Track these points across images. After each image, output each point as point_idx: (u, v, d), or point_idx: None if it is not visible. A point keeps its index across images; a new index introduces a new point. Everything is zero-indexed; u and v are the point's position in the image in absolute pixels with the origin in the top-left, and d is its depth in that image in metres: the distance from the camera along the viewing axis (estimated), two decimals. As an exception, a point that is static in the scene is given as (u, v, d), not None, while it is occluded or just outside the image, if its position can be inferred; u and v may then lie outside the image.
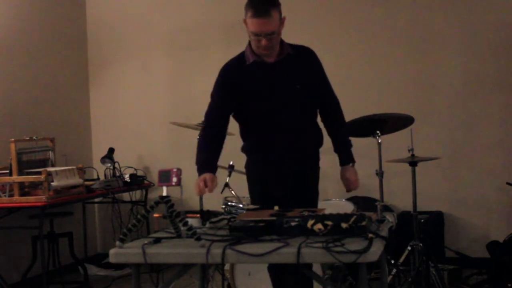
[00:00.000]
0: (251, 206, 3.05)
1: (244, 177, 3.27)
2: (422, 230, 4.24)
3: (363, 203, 4.75)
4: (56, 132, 5.36)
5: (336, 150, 3.23)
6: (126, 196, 5.64)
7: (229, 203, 3.57)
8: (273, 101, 3.03)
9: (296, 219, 2.47)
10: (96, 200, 5.80)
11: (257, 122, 3.10)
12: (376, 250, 2.21)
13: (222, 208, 3.51)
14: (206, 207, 3.53)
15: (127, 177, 5.43)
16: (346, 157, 3.22)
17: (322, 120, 3.24)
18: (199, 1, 5.95)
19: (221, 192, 4.24)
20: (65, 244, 5.08)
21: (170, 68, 6.05)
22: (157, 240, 2.50)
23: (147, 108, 6.06)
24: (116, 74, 6.17)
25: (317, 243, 2.26)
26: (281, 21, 2.96)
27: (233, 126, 3.21)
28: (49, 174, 4.42)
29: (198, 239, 2.41)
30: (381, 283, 3.11)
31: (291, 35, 3.22)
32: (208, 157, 3.02)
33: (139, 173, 5.72)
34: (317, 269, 3.60)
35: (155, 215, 2.78)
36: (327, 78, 3.19)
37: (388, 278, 4.05)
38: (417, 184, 4.19)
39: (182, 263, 2.53)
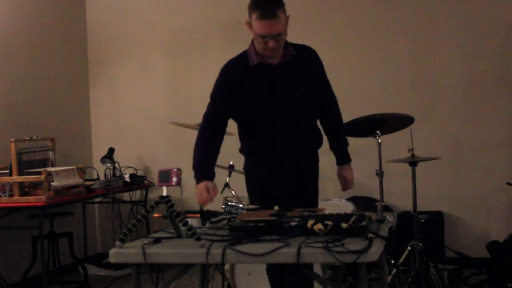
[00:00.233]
0: (251, 206, 3.04)
1: (244, 177, 3.26)
2: (422, 230, 4.24)
3: (363, 203, 4.75)
4: (56, 132, 5.36)
5: (333, 148, 3.23)
6: (126, 196, 5.64)
7: (229, 203, 3.57)
8: (274, 102, 3.01)
9: (296, 219, 2.47)
10: (96, 200, 5.80)
11: (257, 123, 3.08)
12: (376, 250, 2.21)
13: (222, 208, 3.51)
14: (206, 207, 3.53)
15: (127, 177, 5.43)
16: (343, 156, 3.22)
17: (320, 119, 3.23)
18: (199, 1, 5.95)
19: (221, 192, 4.24)
20: (65, 244, 5.08)
21: (170, 68, 6.05)
22: (157, 240, 2.50)
23: (147, 108, 6.06)
24: (116, 74, 6.17)
25: (317, 243, 2.26)
26: (286, 20, 2.93)
27: (233, 125, 3.20)
28: (49, 174, 4.42)
29: (198, 239, 2.41)
30: (381, 283, 3.11)
31: (291, 34, 3.21)
32: (206, 162, 2.97)
33: (139, 173, 5.72)
34: (317, 269, 3.60)
35: (155, 215, 2.78)
36: (327, 77, 3.19)
37: (388, 278, 4.05)
38: (417, 184, 4.19)
39: (182, 263, 2.53)
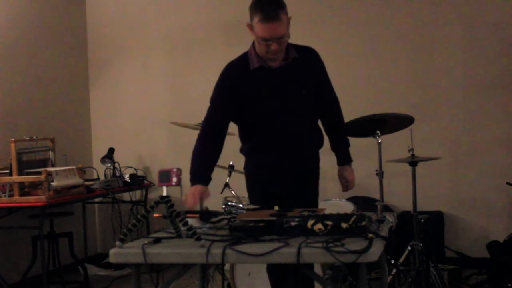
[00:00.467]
0: (251, 206, 3.04)
1: (244, 177, 3.26)
2: (422, 230, 4.24)
3: (363, 203, 4.75)
4: (56, 132, 5.36)
5: (334, 149, 3.22)
6: (126, 196, 5.64)
7: (229, 203, 3.57)
8: (274, 105, 2.99)
9: (296, 219, 2.47)
10: (96, 200, 5.80)
11: (257, 124, 3.06)
12: (376, 250, 2.21)
13: (222, 208, 3.51)
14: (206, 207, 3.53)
15: (127, 177, 5.43)
16: (344, 157, 3.22)
17: (321, 119, 3.22)
18: (199, 1, 5.95)
19: (221, 192, 4.24)
20: (65, 244, 5.08)
21: (170, 68, 6.05)
22: (157, 240, 2.50)
23: (147, 108, 6.06)
24: (116, 74, 6.17)
25: (317, 243, 2.26)
26: (288, 22, 2.89)
27: (234, 125, 3.19)
28: (49, 174, 4.42)
29: (198, 239, 2.41)
30: (381, 283, 3.11)
31: (291, 35, 3.21)
32: (203, 168, 2.91)
33: (139, 173, 5.72)
34: (317, 269, 3.60)
35: (155, 215, 2.78)
36: (328, 78, 3.17)
37: (388, 278, 4.05)
38: (417, 184, 4.19)
39: (182, 263, 2.52)
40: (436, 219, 5.10)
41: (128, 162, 5.67)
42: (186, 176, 2.82)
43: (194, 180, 2.86)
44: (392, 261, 4.19)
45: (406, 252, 4.18)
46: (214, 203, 3.04)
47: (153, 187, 5.75)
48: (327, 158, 3.26)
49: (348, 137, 3.28)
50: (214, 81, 3.06)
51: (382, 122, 4.01)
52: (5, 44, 5.17)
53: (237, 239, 2.40)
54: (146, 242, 2.46)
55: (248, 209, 2.99)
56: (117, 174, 5.45)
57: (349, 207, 4.14)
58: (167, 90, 6.05)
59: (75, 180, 4.69)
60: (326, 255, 2.20)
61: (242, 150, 3.21)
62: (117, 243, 2.46)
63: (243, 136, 3.18)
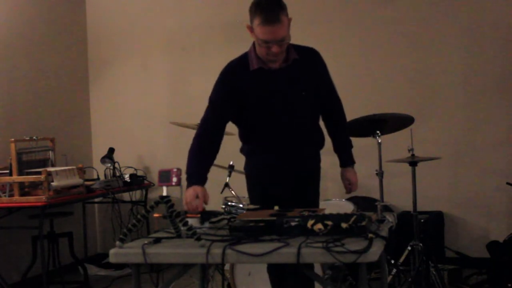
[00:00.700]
0: (251, 206, 3.04)
1: (244, 177, 3.26)
2: (422, 230, 4.24)
3: (363, 203, 4.75)
4: (56, 132, 5.36)
5: (337, 150, 3.21)
6: (126, 196, 5.64)
7: (229, 203, 3.57)
8: (274, 107, 2.97)
9: (296, 219, 2.47)
10: (96, 200, 5.80)
11: (257, 126, 3.05)
12: (376, 250, 2.21)
13: (222, 208, 3.51)
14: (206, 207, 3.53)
15: (127, 177, 5.43)
16: (347, 158, 3.21)
17: (324, 120, 3.21)
18: (199, 2, 5.95)
19: (221, 192, 4.25)
20: (65, 244, 5.08)
21: (170, 68, 6.05)
22: (157, 240, 2.50)
23: (147, 108, 6.07)
24: (116, 74, 6.17)
25: (317, 243, 2.26)
26: (289, 23, 2.86)
27: (233, 125, 3.19)
28: (49, 174, 4.42)
29: (198, 239, 2.41)
30: (381, 283, 3.11)
31: (291, 35, 3.21)
32: (200, 168, 2.87)
33: (139, 173, 5.72)
34: (317, 269, 3.60)
35: (155, 215, 2.78)
36: (331, 80, 3.15)
37: (388, 278, 4.06)
38: (417, 184, 4.19)
39: (182, 263, 2.52)
40: (436, 219, 5.10)
41: (128, 162, 5.67)
42: (185, 176, 2.82)
43: (192, 181, 2.80)
44: (392, 261, 4.20)
45: (406, 252, 4.18)
46: (214, 203, 3.04)
47: (153, 187, 5.75)
48: (327, 158, 3.25)
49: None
50: (214, 81, 3.05)
51: (382, 122, 4.00)
52: (5, 44, 5.17)
53: (237, 239, 2.40)
54: (146, 242, 2.46)
55: (248, 209, 2.99)
56: (117, 174, 5.45)
57: (349, 207, 4.14)
58: (167, 90, 6.05)
59: (75, 180, 4.69)
60: (326, 255, 2.20)
61: (242, 151, 3.20)
62: (117, 243, 2.46)
63: (243, 137, 3.17)
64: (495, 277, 4.43)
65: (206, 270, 3.34)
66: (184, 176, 2.78)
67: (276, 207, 2.77)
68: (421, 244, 4.10)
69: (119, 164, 5.50)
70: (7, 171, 4.51)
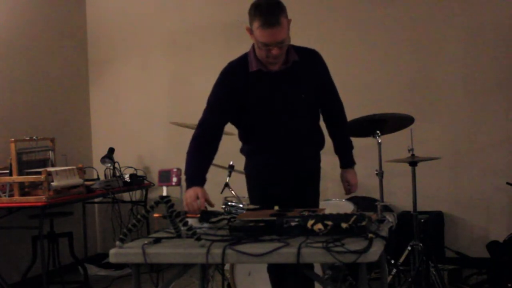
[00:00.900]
0: (251, 206, 3.04)
1: (244, 177, 3.25)
2: (422, 230, 4.24)
3: (363, 203, 4.75)
4: (56, 132, 5.36)
5: (337, 151, 3.20)
6: (126, 196, 5.64)
7: (229, 203, 3.57)
8: (275, 109, 2.97)
9: (296, 219, 2.47)
10: (96, 200, 5.80)
11: (256, 127, 3.04)
12: (376, 250, 2.21)
13: (222, 208, 3.51)
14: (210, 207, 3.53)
15: (127, 177, 5.43)
16: (348, 160, 3.20)
17: (324, 121, 3.20)
18: (199, 2, 5.95)
19: (221, 192, 4.24)
20: (65, 244, 5.08)
21: (170, 68, 6.05)
22: (157, 240, 2.50)
23: (147, 108, 6.07)
24: (116, 74, 6.17)
25: (317, 243, 2.26)
26: (288, 25, 2.85)
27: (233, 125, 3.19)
28: (49, 174, 4.43)
29: (198, 239, 2.41)
30: (381, 283, 3.11)
31: (291, 35, 3.21)
32: (199, 170, 2.86)
33: (139, 173, 5.72)
34: (317, 269, 3.60)
35: (155, 215, 2.78)
36: (332, 81, 3.14)
37: (388, 278, 4.05)
38: (417, 184, 4.19)
39: (182, 263, 2.52)
40: (436, 219, 5.10)
41: (128, 162, 5.67)
42: (184, 177, 2.82)
43: (192, 183, 2.79)
44: (392, 261, 4.20)
45: (406, 252, 4.18)
46: (214, 203, 3.03)
47: (153, 187, 5.75)
48: (327, 159, 3.25)
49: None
50: (214, 81, 3.05)
51: (382, 122, 4.01)
52: (5, 44, 5.17)
53: (237, 239, 2.40)
54: (146, 242, 2.46)
55: (248, 209, 2.99)
56: (117, 174, 5.45)
57: (349, 207, 4.14)
58: (167, 90, 6.05)
59: (75, 180, 4.69)
60: (326, 255, 2.20)
61: (242, 151, 3.20)
62: (117, 243, 2.46)
63: (242, 138, 3.17)
64: (495, 277, 4.43)
65: (206, 270, 3.34)
66: (184, 177, 2.77)
67: (276, 207, 2.77)
68: (421, 244, 4.10)
69: (119, 164, 5.50)
70: (7, 171, 4.52)
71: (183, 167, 2.84)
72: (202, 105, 3.07)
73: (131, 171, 5.59)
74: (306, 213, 2.55)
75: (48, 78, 5.68)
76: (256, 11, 2.80)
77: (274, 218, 2.53)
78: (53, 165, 4.77)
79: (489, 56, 5.18)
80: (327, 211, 2.66)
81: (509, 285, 4.26)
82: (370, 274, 4.32)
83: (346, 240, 2.28)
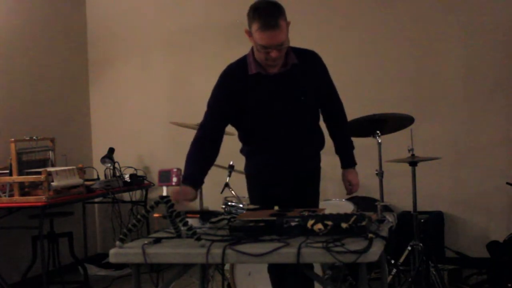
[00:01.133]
0: (251, 206, 3.04)
1: (244, 177, 3.25)
2: (422, 230, 4.24)
3: (363, 203, 4.75)
4: (56, 132, 5.36)
5: (338, 152, 3.20)
6: (126, 196, 5.64)
7: (229, 203, 3.57)
8: (274, 111, 2.96)
9: (296, 219, 2.47)
10: (96, 200, 5.80)
11: (256, 129, 3.04)
12: (376, 250, 2.21)
13: (222, 208, 3.51)
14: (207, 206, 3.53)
15: (127, 177, 5.43)
16: (349, 160, 3.20)
17: (325, 122, 3.20)
18: (199, 2, 5.95)
19: (221, 192, 4.24)
20: (65, 244, 5.09)
21: (170, 68, 6.05)
22: (157, 240, 2.50)
23: (147, 108, 6.07)
24: (116, 74, 6.17)
25: (317, 243, 2.26)
26: (287, 27, 2.84)
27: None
28: (49, 174, 4.43)
29: (198, 239, 2.41)
30: (381, 283, 3.11)
31: (291, 36, 3.21)
32: (196, 173, 2.83)
33: (139, 173, 5.72)
34: (317, 269, 3.60)
35: (155, 215, 2.78)
36: (332, 82, 3.14)
37: (388, 278, 4.05)
38: (417, 184, 4.19)
39: (182, 263, 2.52)
40: (436, 219, 5.10)
41: (128, 162, 5.67)
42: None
43: (183, 182, 2.74)
44: (392, 261, 4.19)
45: (406, 252, 4.18)
46: (214, 203, 3.04)
47: (153, 187, 5.75)
48: (327, 159, 3.25)
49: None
50: (214, 81, 3.05)
51: (382, 122, 4.01)
52: (5, 44, 5.17)
53: (237, 239, 2.40)
54: (146, 242, 2.46)
55: (248, 209, 2.99)
56: (117, 174, 5.45)
57: (349, 207, 4.14)
58: (167, 90, 6.05)
59: (75, 180, 4.69)
60: (326, 255, 2.20)
61: (242, 151, 3.20)
62: (117, 243, 2.46)
63: (242, 139, 3.16)
64: (495, 277, 4.43)
65: (206, 270, 3.34)
66: (183, 176, 2.77)
67: (276, 207, 2.77)
68: (421, 244, 4.10)
69: (119, 164, 5.50)
70: (7, 171, 4.52)
71: (183, 167, 2.84)
72: (202, 105, 3.07)
73: (131, 171, 5.59)
74: (306, 213, 2.55)
75: (48, 78, 5.68)
76: (255, 13, 2.79)
77: (274, 218, 2.53)
78: (53, 165, 4.77)
79: (489, 56, 5.18)
80: (327, 211, 2.66)
81: (509, 285, 4.26)
82: (370, 274, 4.32)
83: (346, 240, 2.28)
